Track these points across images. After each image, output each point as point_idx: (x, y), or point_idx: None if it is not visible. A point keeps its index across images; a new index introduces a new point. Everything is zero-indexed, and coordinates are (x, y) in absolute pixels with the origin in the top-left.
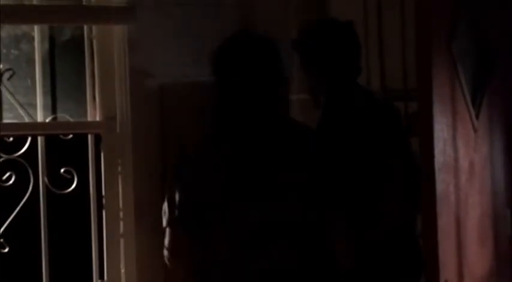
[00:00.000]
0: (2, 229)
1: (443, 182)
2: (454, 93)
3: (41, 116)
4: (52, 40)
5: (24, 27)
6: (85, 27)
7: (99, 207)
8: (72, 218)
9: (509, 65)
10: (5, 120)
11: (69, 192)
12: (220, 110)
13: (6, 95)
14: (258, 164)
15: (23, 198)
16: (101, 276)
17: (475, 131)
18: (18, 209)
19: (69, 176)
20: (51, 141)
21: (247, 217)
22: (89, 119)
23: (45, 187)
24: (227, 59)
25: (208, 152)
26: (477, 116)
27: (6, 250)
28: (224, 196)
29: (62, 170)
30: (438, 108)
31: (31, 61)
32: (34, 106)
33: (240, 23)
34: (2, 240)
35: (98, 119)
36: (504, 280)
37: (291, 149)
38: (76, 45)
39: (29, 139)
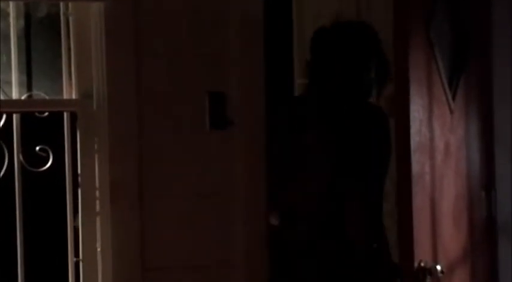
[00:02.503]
0: None
1: (418, 162)
2: (430, 75)
3: (16, 93)
4: (28, 17)
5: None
6: (61, 4)
7: (75, 186)
8: (47, 196)
9: (486, 47)
10: None
11: (45, 170)
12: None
13: None
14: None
15: None
16: (76, 255)
17: (451, 112)
18: None
19: (44, 154)
20: (27, 119)
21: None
22: (65, 96)
23: (20, 165)
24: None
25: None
26: (453, 98)
27: None
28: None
29: (37, 148)
30: (414, 89)
31: (6, 38)
32: (9, 83)
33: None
34: None
35: (74, 97)
36: (478, 261)
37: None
38: (52, 22)
39: (4, 116)
